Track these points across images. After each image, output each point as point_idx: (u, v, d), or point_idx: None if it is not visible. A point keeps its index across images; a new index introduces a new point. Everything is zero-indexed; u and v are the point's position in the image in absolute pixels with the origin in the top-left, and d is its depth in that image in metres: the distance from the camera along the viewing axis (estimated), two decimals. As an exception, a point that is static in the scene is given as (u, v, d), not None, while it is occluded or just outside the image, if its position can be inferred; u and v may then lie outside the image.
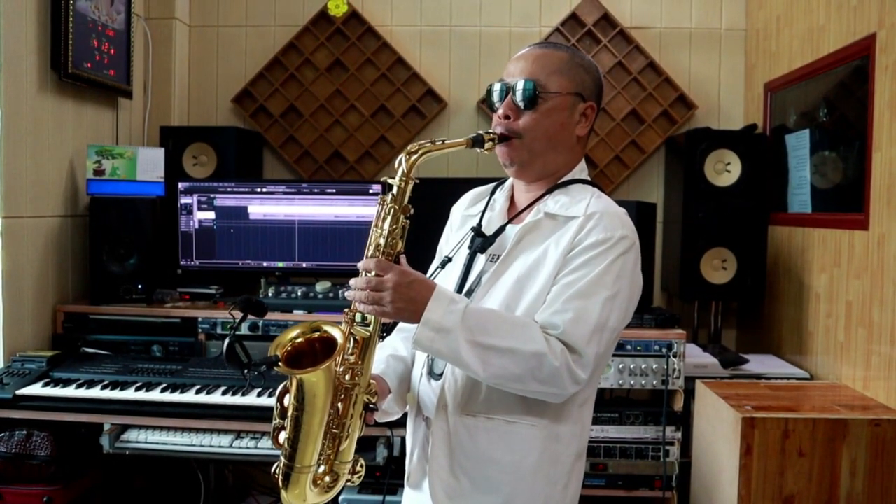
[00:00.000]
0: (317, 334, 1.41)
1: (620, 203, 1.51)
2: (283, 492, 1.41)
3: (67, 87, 2.96)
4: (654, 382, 2.76)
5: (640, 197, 3.53)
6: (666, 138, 3.50)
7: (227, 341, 1.40)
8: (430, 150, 1.41)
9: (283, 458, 1.40)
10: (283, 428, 1.39)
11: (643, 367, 2.76)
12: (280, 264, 3.11)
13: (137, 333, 2.91)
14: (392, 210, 1.39)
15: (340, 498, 2.67)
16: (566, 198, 1.48)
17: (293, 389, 1.36)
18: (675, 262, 3.21)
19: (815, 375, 2.83)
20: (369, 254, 1.39)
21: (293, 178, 3.61)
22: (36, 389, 2.56)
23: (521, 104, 1.46)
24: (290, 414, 1.37)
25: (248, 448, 2.53)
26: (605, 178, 3.51)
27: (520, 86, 1.46)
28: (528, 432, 1.44)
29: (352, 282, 1.38)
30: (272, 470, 1.43)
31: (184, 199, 3.10)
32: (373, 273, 1.35)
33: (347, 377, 1.39)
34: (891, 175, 2.35)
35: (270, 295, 3.00)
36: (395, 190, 1.39)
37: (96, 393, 2.56)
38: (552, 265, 1.41)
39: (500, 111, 1.48)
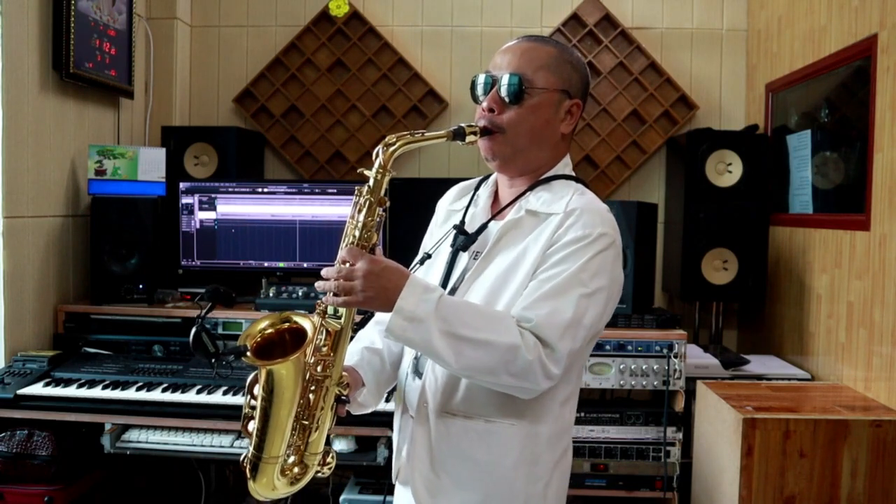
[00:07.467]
0: (286, 325, 1.39)
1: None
2: (250, 482, 1.40)
3: (69, 86, 2.97)
4: (655, 383, 2.76)
5: (642, 197, 3.53)
6: (667, 139, 3.50)
7: (193, 330, 1.39)
8: (409, 143, 1.38)
9: (251, 448, 1.39)
10: (253, 417, 1.38)
11: (644, 367, 2.76)
12: (281, 264, 3.11)
13: (138, 333, 2.91)
14: (368, 202, 1.36)
15: (341, 498, 2.68)
16: (548, 194, 1.46)
17: (262, 380, 1.35)
18: (676, 262, 3.21)
19: (817, 376, 2.83)
20: (344, 245, 1.37)
21: (294, 178, 3.61)
22: (37, 389, 2.56)
23: (506, 98, 1.44)
24: (258, 404, 1.36)
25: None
26: (606, 178, 3.51)
27: (505, 80, 1.43)
28: (508, 431, 1.42)
29: (324, 272, 1.35)
30: (241, 459, 1.41)
31: (185, 199, 3.10)
32: (346, 264, 1.32)
33: (319, 368, 1.37)
34: (892, 176, 2.35)
35: (272, 295, 3.00)
36: (371, 182, 1.36)
37: (97, 393, 2.56)
38: (531, 262, 1.40)
39: (485, 104, 1.46)
